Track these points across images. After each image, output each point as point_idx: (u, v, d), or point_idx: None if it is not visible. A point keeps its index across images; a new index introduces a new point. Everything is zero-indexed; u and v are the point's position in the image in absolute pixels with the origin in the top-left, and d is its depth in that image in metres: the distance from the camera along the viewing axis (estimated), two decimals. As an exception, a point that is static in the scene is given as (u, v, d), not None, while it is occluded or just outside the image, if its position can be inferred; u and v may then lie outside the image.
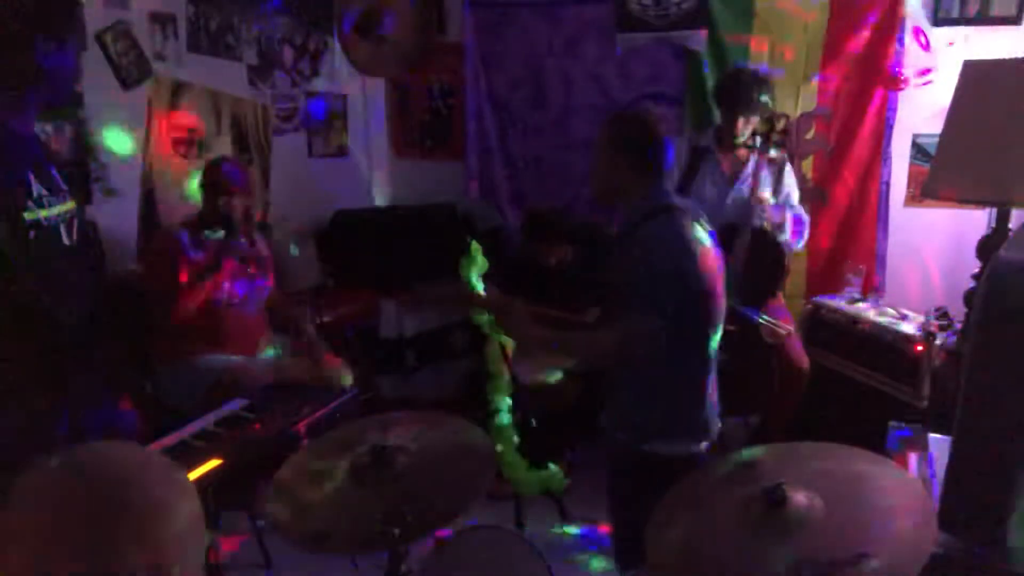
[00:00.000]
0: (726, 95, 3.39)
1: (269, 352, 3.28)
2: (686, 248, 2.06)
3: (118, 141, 3.36)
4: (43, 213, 1.84)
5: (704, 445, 2.17)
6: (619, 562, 2.33)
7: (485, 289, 2.60)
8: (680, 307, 2.02)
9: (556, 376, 3.35)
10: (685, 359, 2.11)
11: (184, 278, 2.98)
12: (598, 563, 3.08)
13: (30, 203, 1.81)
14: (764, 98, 3.27)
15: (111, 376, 2.22)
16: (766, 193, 3.31)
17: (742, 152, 3.39)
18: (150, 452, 1.06)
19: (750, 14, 3.88)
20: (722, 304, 2.15)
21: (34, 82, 1.83)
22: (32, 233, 1.81)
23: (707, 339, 2.13)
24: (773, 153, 3.29)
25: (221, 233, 3.06)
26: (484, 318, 2.64)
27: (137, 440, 2.30)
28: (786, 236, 3.35)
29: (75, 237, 1.94)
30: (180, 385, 2.99)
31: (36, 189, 1.83)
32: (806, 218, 3.43)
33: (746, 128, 3.30)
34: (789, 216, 3.34)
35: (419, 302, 3.18)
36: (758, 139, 3.28)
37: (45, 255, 1.86)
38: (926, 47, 3.68)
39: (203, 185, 3.13)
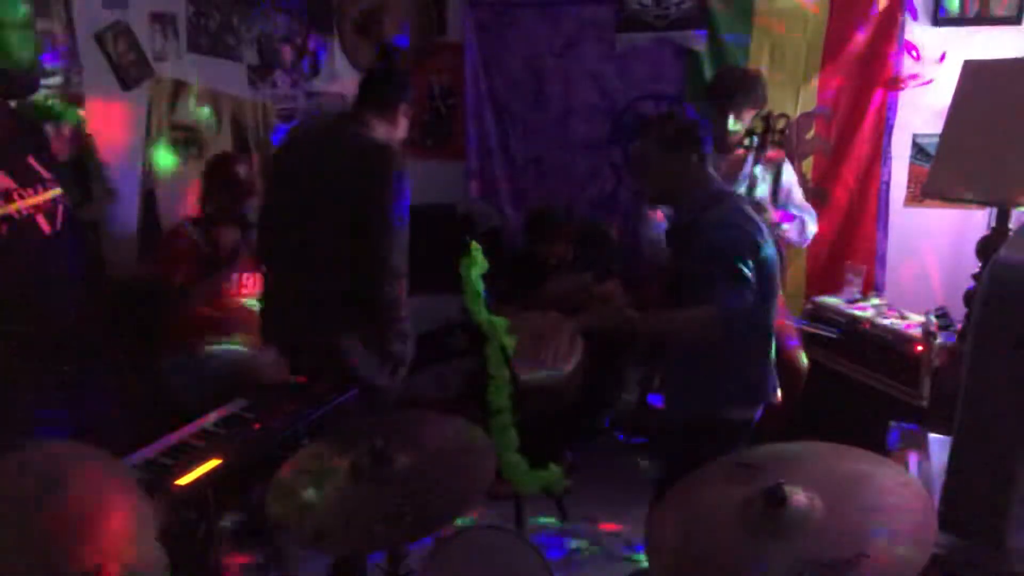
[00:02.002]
0: (714, 93, 3.40)
1: None
2: (755, 224, 2.30)
3: (118, 141, 3.36)
4: (13, 207, 1.82)
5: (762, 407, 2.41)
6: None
7: (485, 290, 2.59)
8: (758, 279, 2.22)
9: (556, 376, 3.34)
10: (758, 326, 2.33)
11: (199, 274, 3.06)
12: (598, 562, 3.08)
13: None
14: (754, 95, 3.28)
15: (108, 368, 2.22)
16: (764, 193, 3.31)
17: (739, 152, 3.39)
18: (89, 450, 1.04)
19: (750, 14, 3.88)
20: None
21: None
22: (4, 228, 1.79)
23: (772, 307, 2.35)
24: (771, 153, 3.29)
25: (238, 232, 3.14)
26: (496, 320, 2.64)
27: (136, 438, 2.30)
28: (793, 236, 3.37)
29: (58, 224, 1.92)
30: (187, 379, 3.01)
31: (3, 184, 1.81)
32: (810, 221, 3.43)
33: (736, 125, 3.31)
34: (793, 226, 3.34)
35: (542, 302, 3.33)
36: (755, 139, 3.28)
37: (21, 248, 1.84)
38: (917, 58, 3.69)
39: (214, 181, 3.18)
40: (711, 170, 2.38)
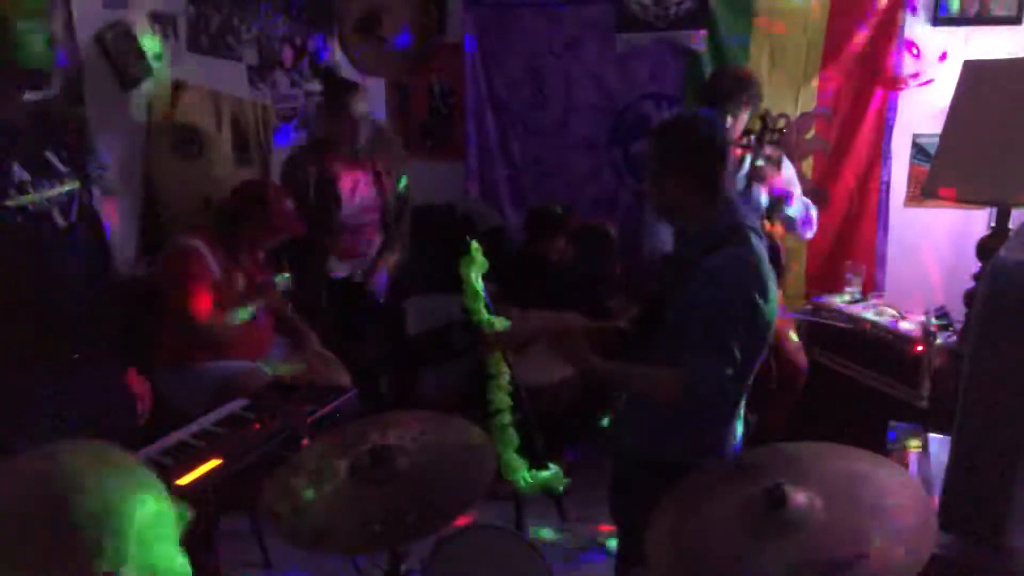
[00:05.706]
0: (711, 94, 3.39)
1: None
2: (761, 281, 1.90)
3: (118, 141, 3.36)
4: (27, 199, 1.83)
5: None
6: (625, 562, 2.32)
7: (485, 289, 2.59)
8: (746, 344, 1.89)
9: (556, 377, 3.34)
10: (740, 383, 1.98)
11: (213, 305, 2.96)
12: (597, 563, 3.08)
13: (12, 191, 1.80)
14: (748, 95, 3.28)
15: (116, 362, 2.22)
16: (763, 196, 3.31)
17: (737, 152, 3.39)
18: (107, 451, 1.01)
19: (750, 14, 3.87)
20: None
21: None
22: (19, 218, 1.80)
23: (756, 365, 2.00)
24: (768, 151, 3.28)
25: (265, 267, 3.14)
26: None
27: (137, 436, 2.30)
28: (797, 216, 3.34)
29: (72, 218, 1.93)
30: (183, 389, 2.96)
31: (18, 176, 1.82)
32: (814, 212, 3.42)
33: (735, 125, 3.30)
34: (800, 212, 3.33)
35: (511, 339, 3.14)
36: (752, 138, 3.28)
37: (34, 240, 1.85)
38: (917, 56, 3.69)
39: (256, 209, 3.05)
40: (730, 192, 2.00)
